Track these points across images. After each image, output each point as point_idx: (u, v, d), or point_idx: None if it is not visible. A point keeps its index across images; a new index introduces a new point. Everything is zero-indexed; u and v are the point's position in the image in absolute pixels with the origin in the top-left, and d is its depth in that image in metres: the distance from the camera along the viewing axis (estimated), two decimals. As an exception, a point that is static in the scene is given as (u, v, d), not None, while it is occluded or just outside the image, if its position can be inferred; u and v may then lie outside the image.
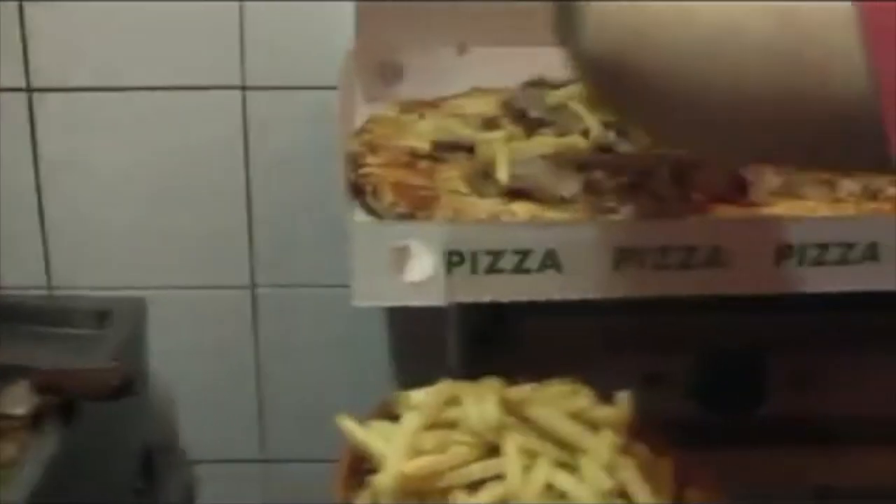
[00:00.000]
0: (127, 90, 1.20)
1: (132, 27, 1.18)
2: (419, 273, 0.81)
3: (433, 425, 0.86)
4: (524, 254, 0.81)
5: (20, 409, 0.97)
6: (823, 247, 0.85)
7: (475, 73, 1.14)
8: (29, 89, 1.20)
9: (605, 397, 0.89)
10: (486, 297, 0.82)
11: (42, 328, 1.15)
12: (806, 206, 0.93)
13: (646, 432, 0.89)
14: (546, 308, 0.85)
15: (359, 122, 1.06)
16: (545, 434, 0.86)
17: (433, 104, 1.09)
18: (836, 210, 0.93)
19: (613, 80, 0.59)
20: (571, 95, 1.06)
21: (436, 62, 1.14)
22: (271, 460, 1.36)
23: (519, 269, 0.81)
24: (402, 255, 0.81)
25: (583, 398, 0.89)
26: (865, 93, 0.49)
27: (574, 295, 0.82)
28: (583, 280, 0.82)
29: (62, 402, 0.99)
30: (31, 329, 1.15)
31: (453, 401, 0.88)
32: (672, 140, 0.72)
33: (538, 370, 0.97)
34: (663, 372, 1.00)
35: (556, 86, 1.08)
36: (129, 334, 1.13)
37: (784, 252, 0.84)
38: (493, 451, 0.85)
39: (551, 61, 1.13)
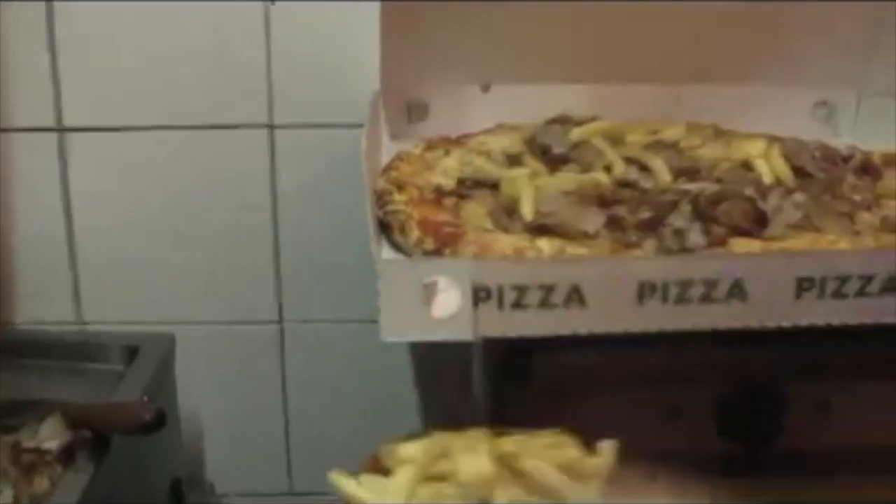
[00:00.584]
0: (157, 129, 1.22)
1: (163, 67, 1.20)
2: (446, 308, 0.82)
3: (424, 480, 0.86)
4: (549, 289, 0.82)
5: (53, 444, 0.98)
6: (843, 279, 0.86)
7: (499, 110, 1.15)
8: (60, 129, 1.22)
9: (589, 445, 0.89)
10: (513, 332, 0.83)
11: (73, 363, 1.17)
12: (825, 240, 0.94)
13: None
14: (571, 342, 0.86)
15: (385, 159, 1.07)
16: (534, 485, 0.85)
17: (458, 141, 1.10)
18: (855, 243, 0.94)
19: None
20: (594, 132, 1.08)
21: (460, 100, 1.16)
22: (298, 493, 1.37)
23: (544, 305, 0.82)
24: (429, 291, 0.82)
25: (570, 449, 0.88)
26: None
27: (598, 329, 0.83)
28: (607, 315, 0.83)
29: (94, 436, 1.00)
30: (62, 364, 1.17)
31: (443, 453, 0.87)
32: None
33: (563, 405, 0.99)
34: (686, 404, 1.01)
35: (578, 122, 1.10)
36: (159, 369, 1.15)
37: (804, 285, 0.85)
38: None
39: (574, 98, 1.16)
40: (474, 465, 0.85)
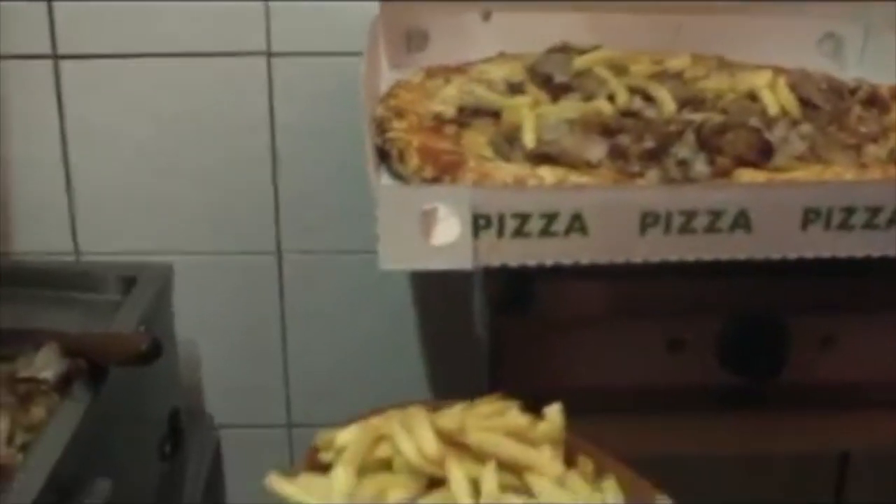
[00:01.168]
0: (153, 56, 1.21)
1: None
2: (446, 236, 0.81)
3: (365, 469, 0.80)
4: (550, 217, 0.81)
5: (49, 374, 0.98)
6: (849, 210, 0.84)
7: (500, 39, 1.14)
8: (55, 56, 1.20)
9: (534, 410, 0.83)
10: (513, 261, 0.82)
11: (69, 293, 1.16)
12: (832, 171, 0.93)
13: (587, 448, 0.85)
14: (572, 272, 0.85)
15: (385, 87, 1.06)
16: (484, 458, 0.79)
17: (459, 69, 1.09)
18: (861, 174, 0.93)
19: None
20: (597, 61, 1.06)
21: (461, 28, 1.14)
22: (297, 425, 1.37)
23: (545, 233, 0.81)
24: (428, 219, 0.81)
25: (515, 415, 0.82)
26: None
27: (600, 259, 0.82)
28: (609, 244, 0.82)
29: (90, 366, 0.99)
30: (59, 294, 1.16)
31: (381, 437, 0.81)
32: None
33: (563, 335, 0.98)
34: (687, 337, 1.00)
35: (581, 51, 1.09)
36: (156, 299, 1.14)
37: (810, 216, 0.84)
38: (431, 484, 0.79)
39: (576, 27, 1.15)
40: (418, 446, 0.78)
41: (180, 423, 1.22)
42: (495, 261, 0.82)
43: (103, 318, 1.10)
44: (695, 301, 0.99)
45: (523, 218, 0.81)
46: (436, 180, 0.88)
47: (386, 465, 0.80)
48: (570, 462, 0.82)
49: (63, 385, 0.97)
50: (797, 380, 1.03)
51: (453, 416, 0.81)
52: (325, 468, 0.80)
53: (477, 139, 0.95)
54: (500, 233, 0.81)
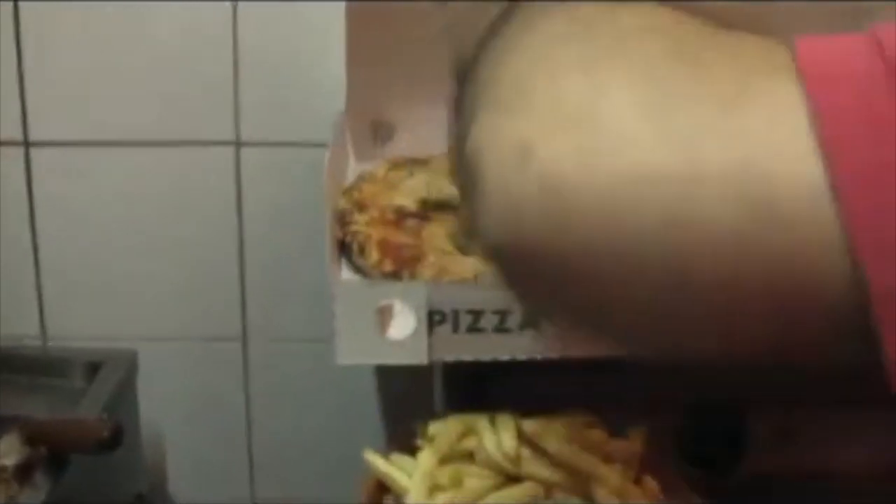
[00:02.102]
0: (123, 145, 1.22)
1: (129, 82, 1.20)
2: (402, 331, 0.82)
3: (450, 457, 0.92)
4: (504, 314, 0.82)
5: (10, 460, 0.98)
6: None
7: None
8: (26, 143, 1.22)
9: (617, 433, 0.92)
10: (467, 356, 0.83)
11: (34, 379, 1.16)
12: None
13: (659, 470, 0.91)
14: (529, 367, 0.86)
15: (350, 179, 1.07)
16: (559, 465, 0.90)
17: (422, 162, 1.10)
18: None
19: (524, 267, 0.48)
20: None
21: (427, 119, 1.16)
22: (261, 508, 1.36)
23: (499, 329, 0.82)
24: (385, 314, 0.82)
25: (595, 432, 0.93)
26: (851, 295, 0.41)
27: (553, 354, 0.84)
28: (562, 340, 0.83)
29: (52, 453, 0.99)
30: (23, 380, 1.16)
31: (470, 432, 0.93)
32: (605, 334, 0.55)
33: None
34: (646, 430, 1.01)
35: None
36: (120, 386, 1.14)
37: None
38: (506, 482, 0.90)
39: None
40: (499, 443, 0.89)
41: (143, 510, 1.22)
42: (450, 356, 0.84)
43: (68, 405, 1.10)
44: (653, 394, 1.00)
45: (477, 314, 0.82)
46: (395, 274, 0.90)
47: (469, 457, 0.92)
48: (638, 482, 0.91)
49: (23, 473, 0.97)
50: (756, 472, 1.04)
51: (538, 422, 0.92)
52: (414, 451, 0.95)
53: (438, 232, 0.96)
54: (455, 328, 0.83)
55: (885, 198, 0.40)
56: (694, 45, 0.46)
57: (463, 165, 0.48)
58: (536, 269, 0.47)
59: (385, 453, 0.97)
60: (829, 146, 0.41)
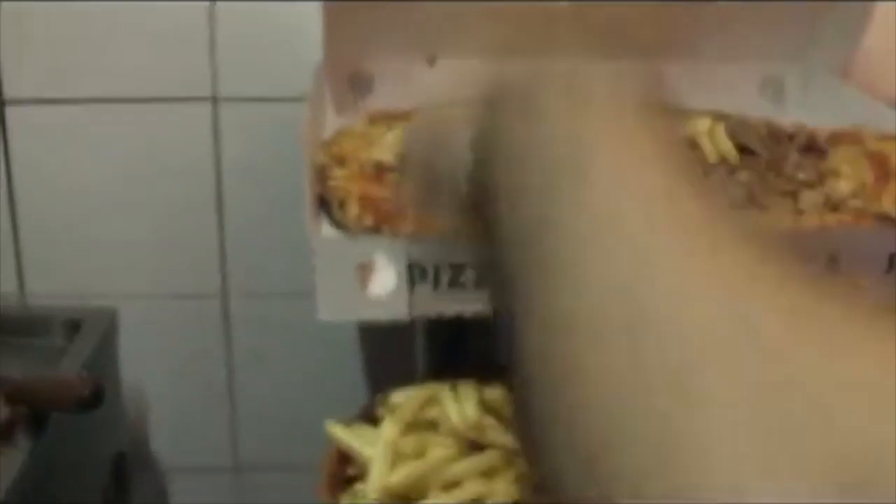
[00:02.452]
0: (99, 102, 1.21)
1: (103, 39, 1.19)
2: (383, 287, 0.82)
3: (413, 426, 0.92)
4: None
5: (-9, 419, 0.97)
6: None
7: (446, 84, 1.14)
8: (1, 101, 1.20)
9: None
10: (448, 311, 0.83)
11: (13, 338, 1.16)
12: (768, 218, 0.94)
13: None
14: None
15: (329, 133, 1.06)
16: None
17: (402, 116, 1.09)
18: (797, 221, 0.94)
19: None
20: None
21: (406, 73, 1.15)
22: (244, 468, 1.36)
23: (480, 283, 0.82)
24: (366, 270, 0.82)
25: None
26: None
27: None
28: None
29: (32, 412, 0.99)
30: (2, 339, 1.15)
31: (432, 401, 0.92)
32: None
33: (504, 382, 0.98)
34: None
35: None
36: (100, 344, 1.14)
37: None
38: (469, 451, 0.90)
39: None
40: (462, 411, 0.90)
41: (125, 468, 1.21)
42: (431, 311, 0.83)
43: (48, 364, 1.10)
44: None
45: (458, 268, 0.82)
46: (375, 229, 0.89)
47: (433, 426, 0.92)
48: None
49: (4, 432, 0.97)
50: None
51: (500, 390, 0.92)
52: (376, 422, 0.94)
53: (418, 186, 0.96)
54: (436, 283, 0.82)
55: None
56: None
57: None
58: None
59: (347, 422, 0.96)
60: None
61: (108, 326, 1.17)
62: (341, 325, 1.29)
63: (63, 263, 1.27)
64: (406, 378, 1.15)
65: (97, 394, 0.99)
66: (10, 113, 1.21)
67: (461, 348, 1.01)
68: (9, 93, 1.20)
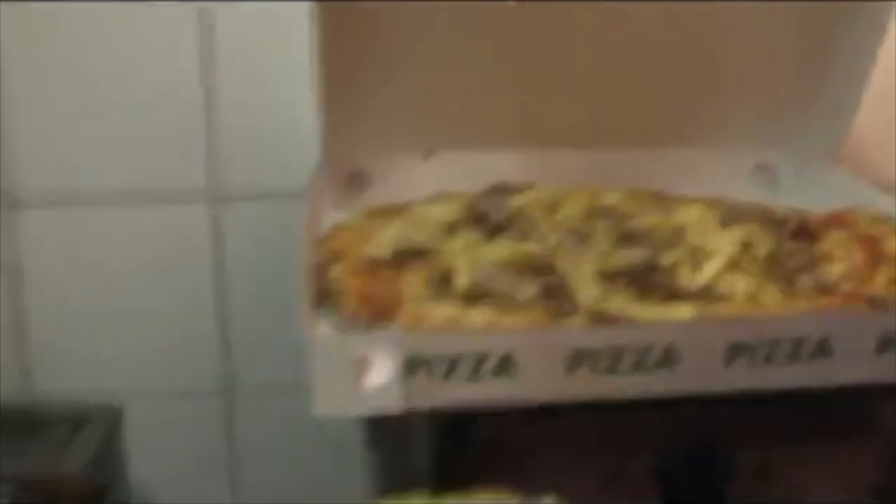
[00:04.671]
0: (102, 203, 1.23)
1: (105, 141, 1.21)
2: (377, 380, 0.83)
3: None
4: (480, 359, 0.83)
5: (-5, 518, 0.98)
6: (773, 344, 0.86)
7: (440, 178, 1.16)
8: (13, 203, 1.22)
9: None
10: (444, 403, 0.84)
11: (17, 434, 1.16)
12: (760, 303, 0.95)
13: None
14: (506, 411, 0.87)
15: (327, 229, 1.08)
16: None
17: (398, 210, 1.11)
18: (789, 306, 0.95)
19: None
20: (531, 200, 1.09)
21: (402, 168, 1.17)
22: (248, 567, 1.36)
23: (475, 375, 0.83)
24: (362, 366, 0.83)
25: None
26: None
27: (529, 399, 0.84)
28: (538, 384, 0.84)
29: (37, 510, 1.00)
30: (8, 435, 1.16)
31: None
32: None
33: (502, 472, 0.99)
34: (625, 470, 1.01)
35: (518, 189, 1.11)
36: (105, 441, 1.15)
37: (735, 352, 0.86)
38: None
39: (517, 164, 1.17)
40: None
41: (131, 565, 1.22)
42: (426, 404, 0.84)
43: (53, 459, 1.11)
44: (632, 435, 1.00)
45: (453, 360, 0.83)
46: (371, 324, 0.90)
47: None
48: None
49: (8, 531, 0.98)
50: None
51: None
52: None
53: (413, 281, 0.97)
54: (431, 375, 0.83)
55: None
56: None
57: None
58: None
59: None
60: None
61: (112, 423, 1.18)
62: (344, 420, 1.30)
63: (68, 360, 1.28)
64: (411, 475, 1.16)
65: (101, 491, 1.00)
66: (21, 216, 1.23)
67: (465, 437, 1.01)
68: (20, 195, 1.22)
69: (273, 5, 1.19)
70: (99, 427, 1.16)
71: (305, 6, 1.04)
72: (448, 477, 1.01)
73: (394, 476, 1.12)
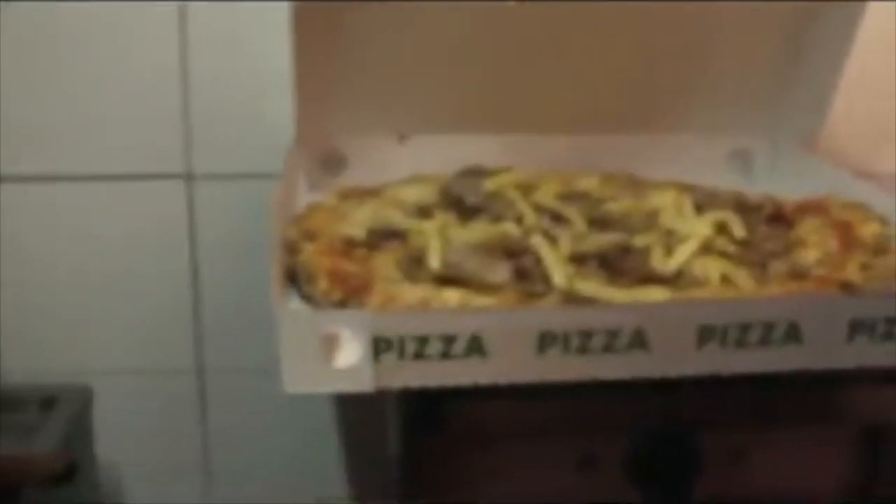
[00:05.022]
0: (75, 179, 1.22)
1: (80, 117, 1.20)
2: (348, 359, 0.83)
3: None
4: (449, 339, 0.82)
5: (-37, 496, 0.98)
6: (744, 327, 0.86)
7: (417, 161, 1.16)
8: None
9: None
10: (413, 383, 0.84)
11: (-12, 415, 1.16)
12: (733, 287, 0.95)
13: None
14: (480, 392, 0.86)
15: (301, 209, 1.08)
16: None
17: (372, 192, 1.11)
18: (762, 291, 0.95)
19: None
20: (506, 182, 1.08)
21: (377, 151, 1.17)
22: (218, 546, 1.36)
23: (445, 355, 0.83)
24: (331, 343, 0.82)
25: None
26: None
27: (499, 379, 0.84)
28: (507, 365, 0.84)
29: (5, 488, 0.99)
30: (-24, 416, 1.16)
31: None
32: None
33: (472, 455, 0.99)
34: (598, 452, 1.01)
35: (493, 173, 1.11)
36: (75, 420, 1.14)
37: (705, 334, 0.86)
38: None
39: (491, 148, 1.17)
40: None
41: (100, 544, 1.21)
42: (396, 383, 0.84)
43: (22, 440, 1.10)
44: (603, 418, 1.00)
45: (422, 340, 0.82)
46: (343, 303, 0.90)
47: None
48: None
49: (-25, 509, 0.98)
50: (709, 495, 1.04)
51: None
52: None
53: (386, 261, 0.97)
54: (401, 355, 0.83)
55: None
56: None
57: None
58: None
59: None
60: None
61: (82, 403, 1.17)
62: (316, 400, 1.30)
63: (39, 340, 1.27)
64: (379, 453, 1.16)
65: (70, 469, 1.00)
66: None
67: (434, 417, 1.01)
68: None
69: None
70: (69, 407, 1.16)
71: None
72: (418, 459, 1.01)
73: (364, 457, 1.12)
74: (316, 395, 1.23)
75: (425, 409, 1.00)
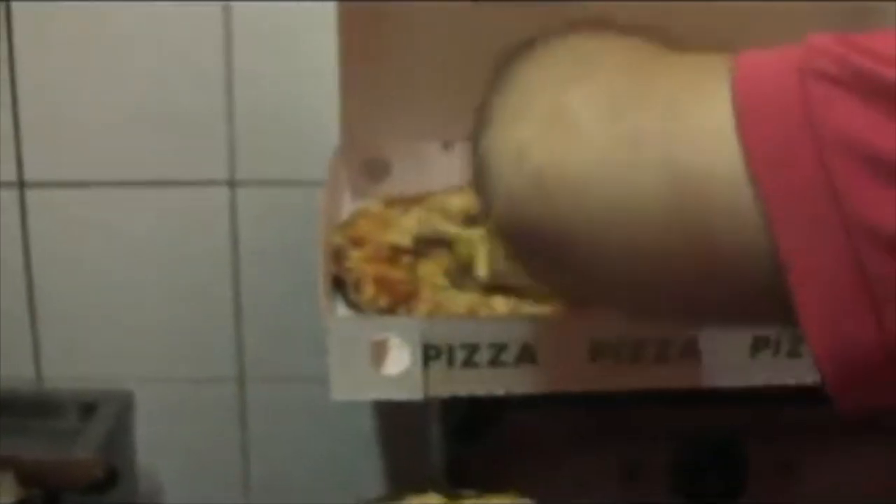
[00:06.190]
0: (118, 185, 1.22)
1: (124, 124, 1.20)
2: (396, 367, 0.82)
3: None
4: (500, 347, 0.82)
5: (5, 501, 0.97)
6: (798, 338, 0.85)
7: (459, 168, 1.15)
8: (21, 184, 1.21)
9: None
10: (463, 391, 0.83)
11: (28, 420, 1.16)
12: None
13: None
14: (525, 401, 0.86)
15: (346, 216, 1.07)
16: None
17: (418, 199, 1.10)
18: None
19: (525, 245, 0.61)
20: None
21: (422, 158, 1.16)
22: (258, 554, 1.35)
23: (495, 363, 0.82)
24: (380, 350, 0.82)
25: None
26: (766, 266, 0.50)
27: (549, 388, 0.83)
28: (558, 373, 0.83)
29: (46, 493, 0.99)
30: (18, 421, 1.16)
31: None
32: (580, 298, 0.73)
33: (517, 466, 0.98)
34: (644, 463, 1.00)
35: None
36: (115, 427, 1.14)
37: (759, 344, 0.85)
38: None
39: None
40: None
41: (139, 553, 1.21)
42: (445, 391, 0.83)
43: (63, 446, 1.10)
44: (652, 427, 0.99)
45: (472, 348, 0.82)
46: (390, 310, 0.89)
47: None
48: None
49: (18, 514, 0.97)
50: (756, 505, 1.03)
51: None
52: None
53: (432, 269, 0.96)
54: (451, 363, 0.82)
55: (794, 178, 0.48)
56: (646, 63, 0.58)
57: (476, 160, 0.62)
58: (534, 245, 0.59)
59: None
60: (748, 138, 0.49)
61: (123, 409, 1.17)
62: (357, 409, 1.29)
63: (80, 346, 1.27)
64: (422, 463, 1.15)
65: (111, 476, 1.00)
66: (30, 196, 1.22)
67: (477, 433, 1.00)
68: (29, 176, 1.21)
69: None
70: (110, 413, 1.15)
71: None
72: (462, 469, 1.01)
73: (404, 465, 1.11)
74: (356, 404, 1.23)
75: (469, 420, 1.00)
